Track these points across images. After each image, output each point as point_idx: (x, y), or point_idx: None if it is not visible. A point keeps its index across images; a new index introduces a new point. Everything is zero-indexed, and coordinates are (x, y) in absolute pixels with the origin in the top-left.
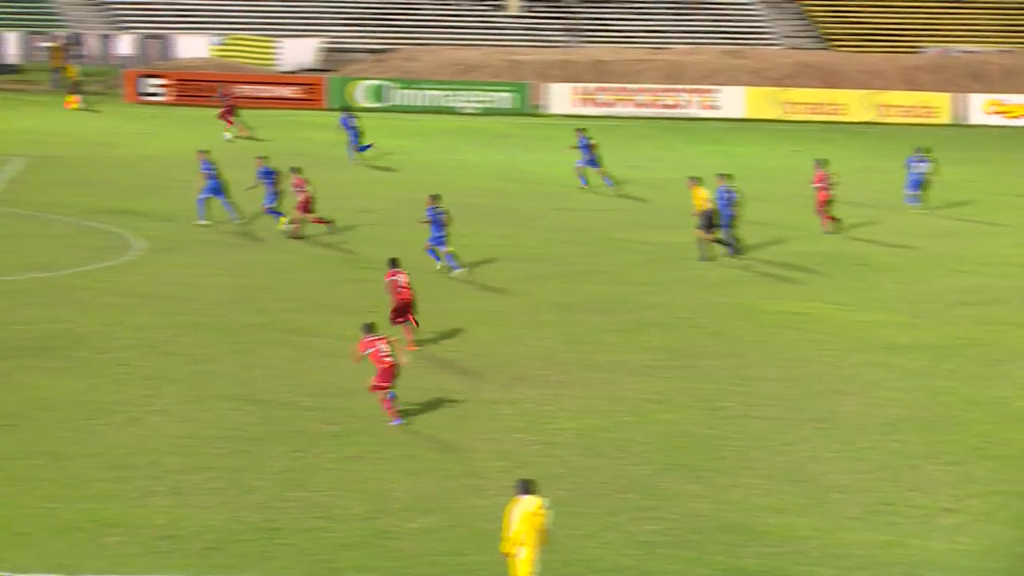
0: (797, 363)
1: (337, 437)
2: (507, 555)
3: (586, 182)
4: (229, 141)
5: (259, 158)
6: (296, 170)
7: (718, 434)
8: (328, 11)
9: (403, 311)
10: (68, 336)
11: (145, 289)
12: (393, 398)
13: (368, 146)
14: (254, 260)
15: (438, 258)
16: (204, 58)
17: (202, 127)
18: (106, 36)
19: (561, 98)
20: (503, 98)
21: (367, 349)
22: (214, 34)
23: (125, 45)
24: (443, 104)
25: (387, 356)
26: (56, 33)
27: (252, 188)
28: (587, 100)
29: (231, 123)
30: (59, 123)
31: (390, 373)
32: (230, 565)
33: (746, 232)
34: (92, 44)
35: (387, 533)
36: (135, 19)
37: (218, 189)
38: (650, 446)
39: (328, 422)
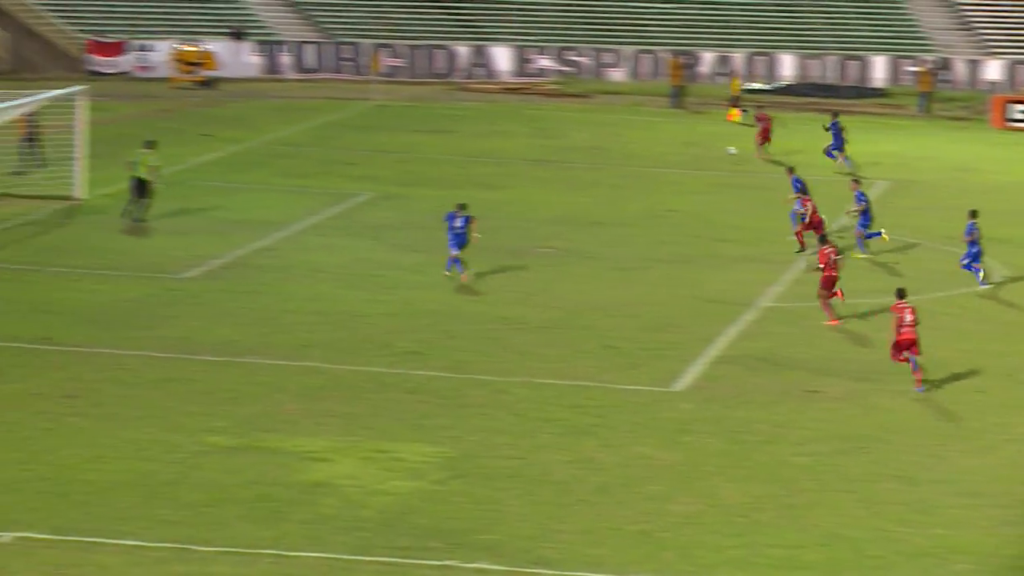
0: None
1: None
2: None
3: None
4: (732, 155)
5: (855, 181)
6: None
7: None
8: None
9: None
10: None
11: (1005, 316)
12: (915, 368)
13: (836, 153)
14: None
15: (980, 276)
16: None
17: None
18: (974, 61)
19: None
20: None
21: (894, 313)
22: None
23: (993, 70)
24: None
25: (907, 326)
26: (924, 58)
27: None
28: None
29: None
30: (923, 148)
31: (905, 343)
32: None
33: None
34: (959, 69)
35: None
36: (1004, 45)
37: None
38: None
39: None
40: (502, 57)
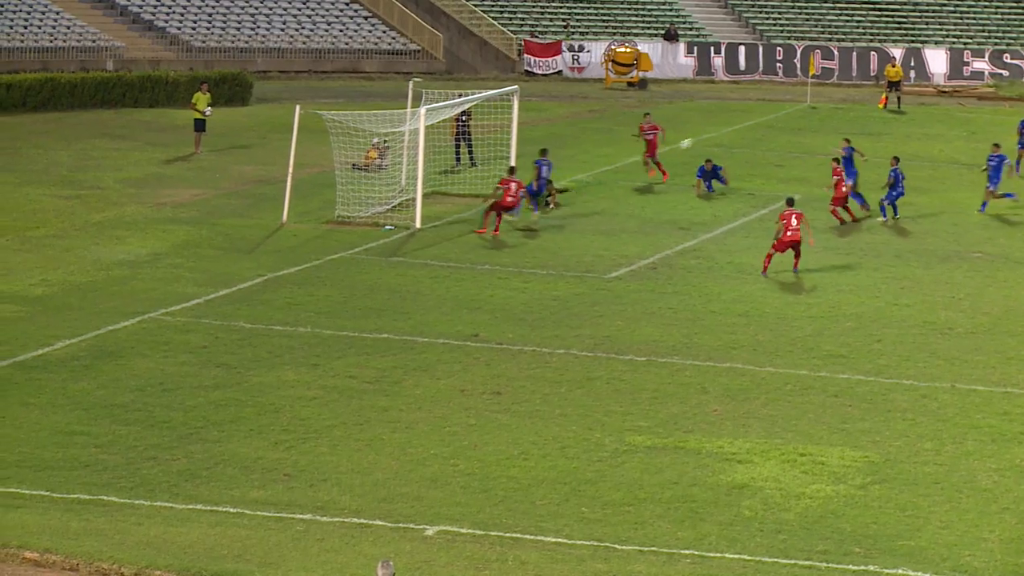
0: None
1: None
2: None
3: None
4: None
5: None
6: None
7: None
8: None
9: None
10: None
11: None
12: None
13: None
14: None
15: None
16: None
17: None
18: None
19: None
20: None
21: (782, 220)
22: None
23: None
24: None
25: (792, 230)
26: None
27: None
28: None
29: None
30: None
31: (787, 244)
32: None
33: None
34: None
35: None
36: None
37: None
38: None
39: None
40: (936, 59)
